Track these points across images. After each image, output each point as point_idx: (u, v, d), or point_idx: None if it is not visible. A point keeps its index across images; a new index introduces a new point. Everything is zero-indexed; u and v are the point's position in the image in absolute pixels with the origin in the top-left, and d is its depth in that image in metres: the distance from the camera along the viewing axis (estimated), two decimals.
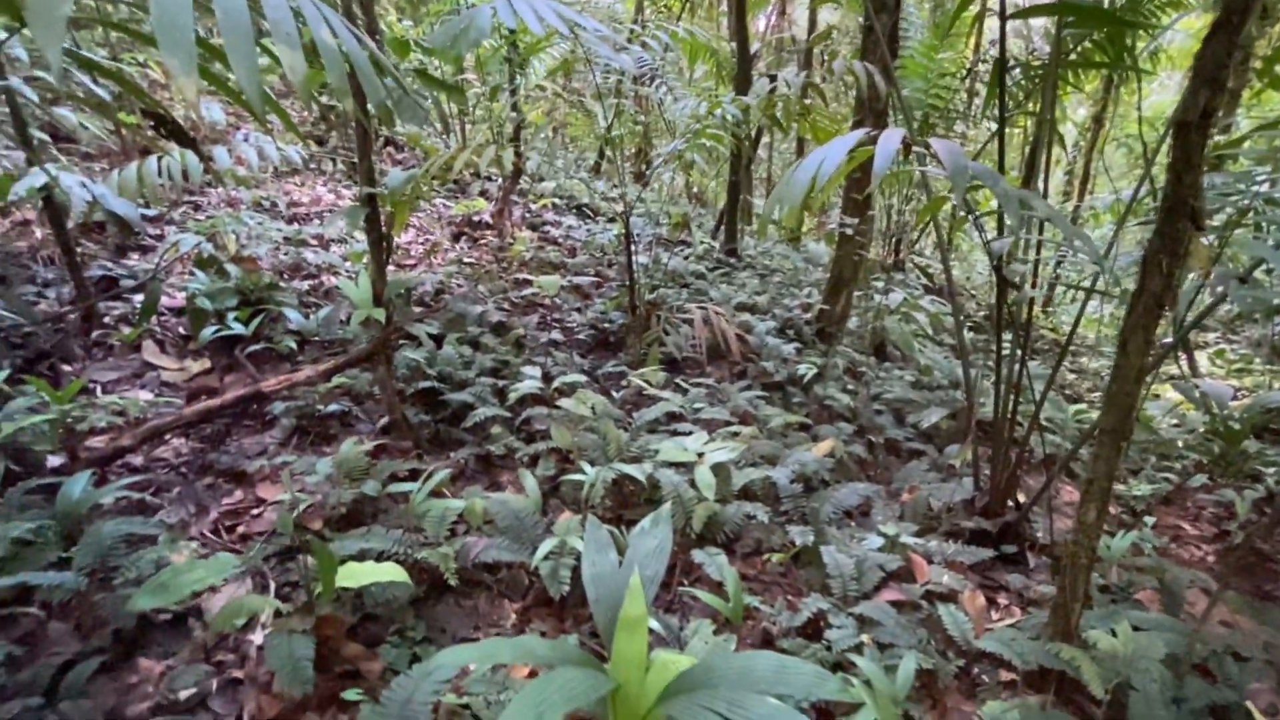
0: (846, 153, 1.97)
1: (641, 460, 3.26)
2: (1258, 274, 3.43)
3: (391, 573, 2.11)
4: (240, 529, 2.72)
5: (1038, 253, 3.45)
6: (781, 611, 2.75)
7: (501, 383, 3.86)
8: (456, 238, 6.47)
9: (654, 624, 2.46)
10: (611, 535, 2.30)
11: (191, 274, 4.00)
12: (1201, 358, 8.81)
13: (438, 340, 4.13)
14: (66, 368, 3.51)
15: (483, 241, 6.55)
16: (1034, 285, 3.43)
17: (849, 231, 5.28)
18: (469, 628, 2.47)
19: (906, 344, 6.27)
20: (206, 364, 3.84)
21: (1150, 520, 4.77)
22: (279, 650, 1.89)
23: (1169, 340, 7.95)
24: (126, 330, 3.84)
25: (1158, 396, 7.23)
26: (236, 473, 3.05)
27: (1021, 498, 4.10)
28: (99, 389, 3.48)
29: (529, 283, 5.66)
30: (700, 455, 3.20)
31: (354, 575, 2.06)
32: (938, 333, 8.11)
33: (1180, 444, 6.14)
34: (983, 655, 2.57)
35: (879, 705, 2.01)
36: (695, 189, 12.12)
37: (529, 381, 3.57)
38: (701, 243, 8.12)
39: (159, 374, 3.71)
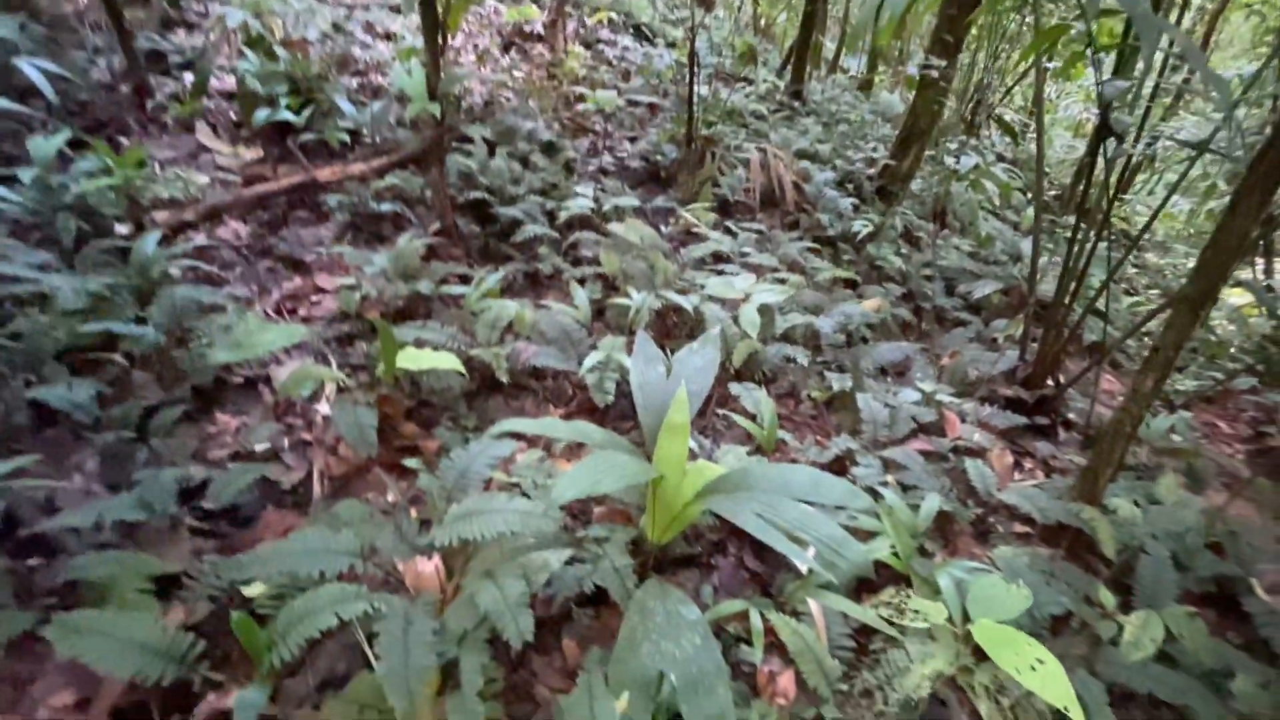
0: None
1: (688, 293, 3.24)
2: None
3: (449, 361, 2.19)
4: (301, 311, 2.82)
5: (1146, 111, 3.10)
6: (810, 447, 2.86)
7: (550, 203, 3.77)
8: (507, 47, 6.05)
9: (690, 442, 2.57)
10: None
11: (242, 54, 3.82)
12: None
13: (490, 147, 3.99)
14: (124, 140, 3.49)
15: (534, 54, 6.12)
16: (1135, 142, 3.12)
17: (933, 74, 4.79)
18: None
19: (971, 213, 5.95)
20: (259, 152, 3.79)
21: (1187, 415, 4.74)
22: (346, 416, 2.02)
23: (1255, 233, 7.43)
24: (179, 107, 3.76)
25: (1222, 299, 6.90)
26: (295, 260, 3.10)
27: (1062, 379, 4.07)
28: (156, 165, 3.48)
29: (581, 101, 5.35)
30: (747, 295, 3.16)
31: (414, 359, 2.15)
32: (1004, 206, 7.66)
33: (1234, 346, 5.95)
34: (1001, 508, 2.67)
35: (898, 533, 2.12)
36: (763, 21, 11.02)
37: (580, 200, 3.47)
38: (765, 81, 7.51)
39: (213, 157, 3.67)
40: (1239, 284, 7.17)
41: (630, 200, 3.74)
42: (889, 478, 2.62)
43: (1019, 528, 2.65)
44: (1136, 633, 1.77)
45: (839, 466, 2.78)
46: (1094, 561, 2.55)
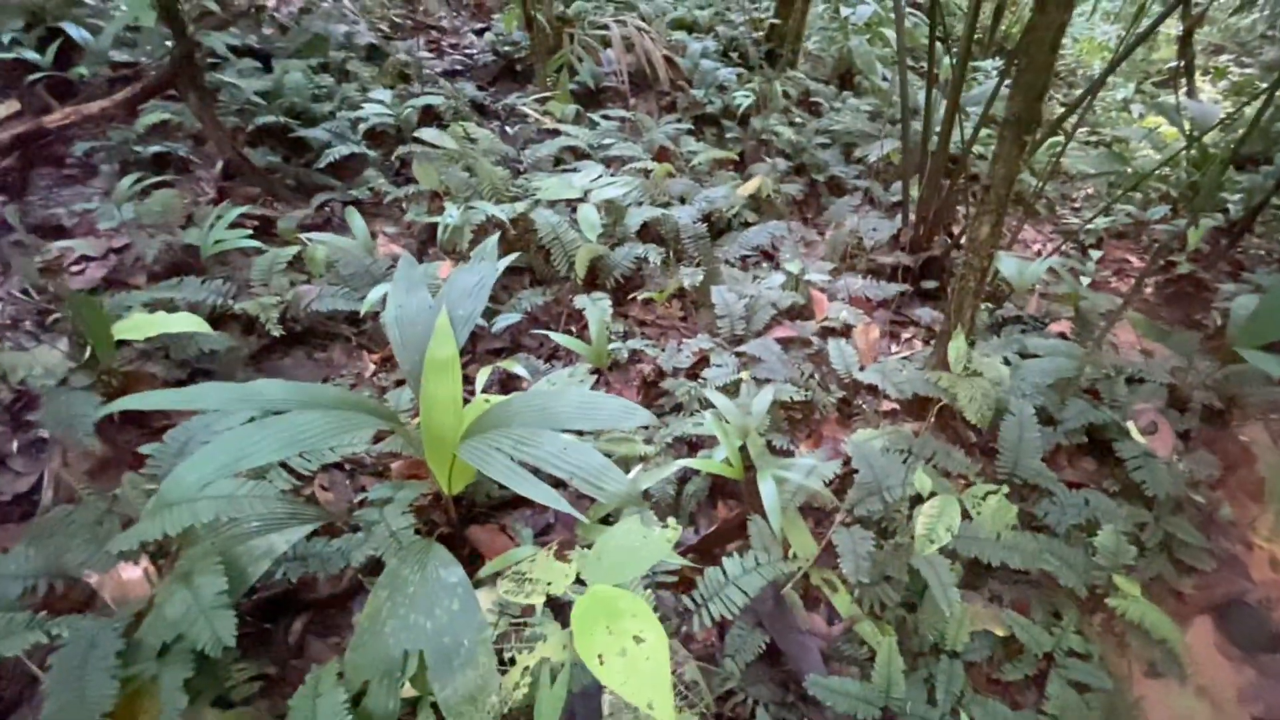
0: None
1: (519, 199, 2.89)
2: None
3: (186, 322, 1.87)
4: (52, 288, 2.43)
5: None
6: (665, 353, 2.63)
7: (377, 111, 3.31)
8: None
9: (519, 369, 2.32)
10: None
11: None
12: (1204, 83, 8.01)
13: (264, 61, 3.44)
14: None
15: None
16: None
17: None
18: (316, 380, 2.32)
19: (869, 67, 5.53)
20: (16, 105, 3.24)
21: (1097, 255, 4.61)
22: (56, 409, 1.71)
23: (1174, 63, 7.10)
24: None
25: (1149, 125, 6.67)
26: (53, 226, 2.68)
27: (956, 232, 3.86)
28: None
29: None
30: (586, 192, 2.82)
31: (138, 327, 1.82)
32: (917, 59, 7.21)
33: (1139, 172, 5.78)
34: (868, 387, 2.50)
35: (726, 438, 1.93)
36: None
37: (373, 108, 3.04)
38: None
39: None
40: (1155, 107, 6.94)
41: (464, 108, 3.28)
42: (743, 374, 2.41)
43: (887, 405, 2.49)
44: (932, 522, 1.62)
45: (700, 369, 2.56)
46: (962, 429, 2.41)
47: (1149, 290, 4.33)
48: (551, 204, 2.81)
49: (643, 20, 5.15)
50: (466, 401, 1.97)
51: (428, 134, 2.94)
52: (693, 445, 2.25)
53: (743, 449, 2.01)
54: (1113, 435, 2.34)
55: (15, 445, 1.89)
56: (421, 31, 4.42)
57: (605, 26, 4.63)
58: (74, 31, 2.93)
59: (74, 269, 2.54)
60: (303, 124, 3.20)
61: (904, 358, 2.66)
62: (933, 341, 2.91)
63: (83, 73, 3.01)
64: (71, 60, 3.18)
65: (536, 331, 2.52)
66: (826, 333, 2.68)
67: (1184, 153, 5.62)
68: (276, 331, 2.11)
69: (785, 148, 4.53)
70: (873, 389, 2.41)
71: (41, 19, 3.24)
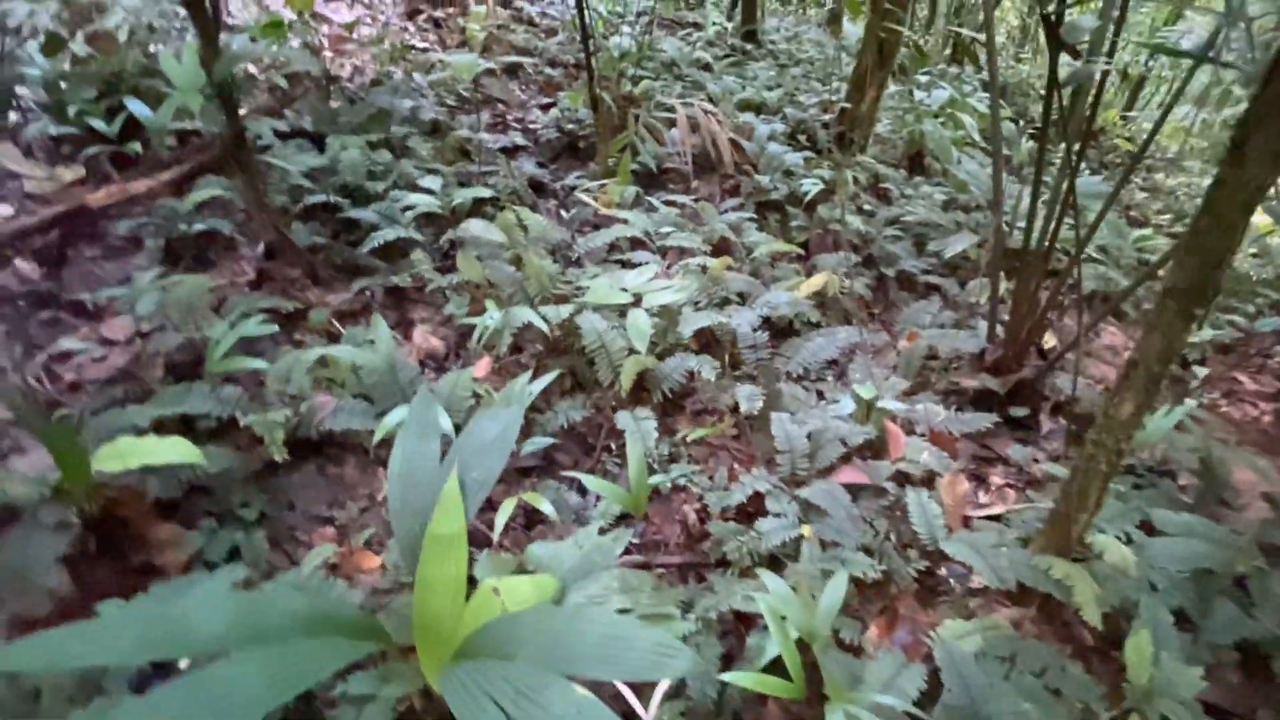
0: None
1: (566, 300, 2.60)
2: None
3: (173, 451, 1.60)
4: (70, 376, 2.24)
5: (1119, 24, 2.31)
6: (719, 487, 2.25)
7: (420, 198, 3.11)
8: (411, 15, 5.29)
9: (547, 505, 1.98)
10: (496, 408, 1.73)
11: (46, 57, 3.17)
12: None
13: (319, 141, 3.28)
14: None
15: (446, 22, 5.36)
16: (1109, 57, 2.37)
17: None
18: (323, 502, 2.03)
19: (944, 152, 5.15)
20: (81, 171, 3.17)
21: (1202, 372, 4.02)
22: (9, 555, 1.45)
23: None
24: None
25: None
26: (83, 306, 2.52)
27: (1054, 343, 3.38)
28: None
29: (492, 73, 4.62)
30: (638, 296, 2.51)
31: (119, 456, 1.56)
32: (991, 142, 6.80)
33: (1254, 278, 5.16)
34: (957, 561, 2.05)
35: (785, 640, 1.52)
36: None
37: (421, 197, 2.82)
38: (714, 24, 6.65)
39: (21, 184, 3.07)
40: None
41: (480, 190, 3.05)
42: (804, 530, 2.00)
43: (977, 581, 2.03)
44: None
45: (755, 508, 2.17)
46: (1075, 625, 1.93)
47: (1267, 419, 3.72)
48: (599, 308, 2.51)
49: (710, 101, 4.94)
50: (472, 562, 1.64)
51: (475, 226, 2.71)
52: (742, 619, 1.85)
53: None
54: (1271, 652, 1.83)
55: None
56: (487, 106, 4.29)
57: (671, 107, 4.42)
58: (134, 107, 2.84)
59: (96, 354, 2.35)
60: (354, 203, 3.02)
61: (999, 517, 2.20)
62: (1029, 492, 2.45)
63: (138, 149, 2.91)
64: (138, 132, 3.10)
65: (566, 474, 2.17)
66: (903, 479, 2.25)
67: None
68: (279, 455, 1.83)
69: (853, 238, 4.16)
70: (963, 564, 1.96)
71: (115, 89, 3.19)
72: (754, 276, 3.53)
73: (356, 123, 3.45)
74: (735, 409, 2.55)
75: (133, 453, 1.57)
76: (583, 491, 2.17)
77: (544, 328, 2.34)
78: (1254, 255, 5.52)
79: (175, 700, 0.86)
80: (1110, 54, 2.42)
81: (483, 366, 2.53)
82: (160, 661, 1.52)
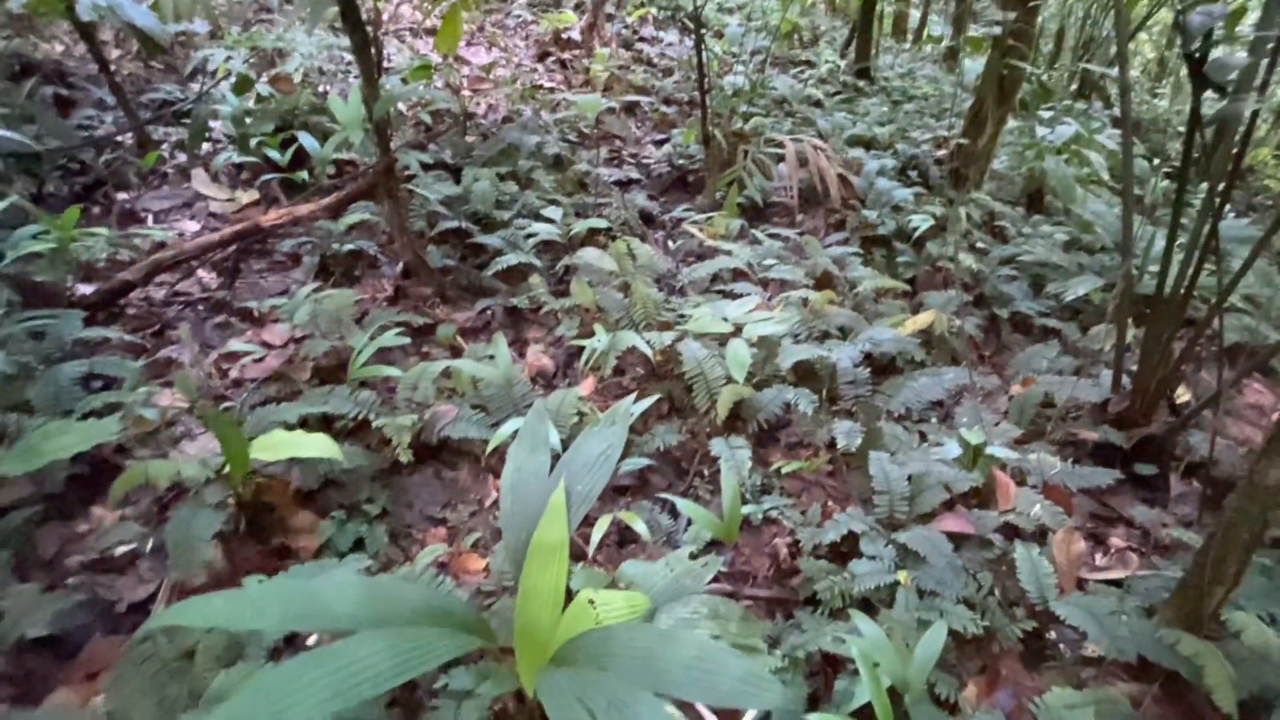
0: None
1: (669, 327, 2.63)
2: None
3: (318, 446, 1.76)
4: (234, 373, 2.52)
5: (1273, 61, 2.05)
6: (812, 523, 2.19)
7: (542, 226, 3.27)
8: (542, 58, 5.62)
9: (640, 525, 2.00)
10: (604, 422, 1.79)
11: (237, 95, 3.64)
12: None
13: (455, 173, 3.52)
14: (121, 195, 3.40)
15: (572, 63, 5.65)
16: (1261, 95, 2.12)
17: (1001, 31, 3.81)
18: (438, 504, 2.16)
19: (1067, 191, 4.79)
20: (256, 195, 3.60)
21: None
22: (177, 527, 1.64)
23: None
24: (183, 158, 3.64)
25: None
26: (250, 312, 2.83)
27: (1187, 397, 3.05)
28: (150, 218, 3.36)
29: (613, 111, 4.81)
30: (738, 326, 2.51)
31: (274, 446, 1.74)
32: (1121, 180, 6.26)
33: None
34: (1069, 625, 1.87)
35: (876, 687, 1.45)
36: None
37: (542, 226, 2.95)
38: (827, 62, 6.58)
39: (208, 204, 3.52)
40: None
41: (596, 220, 3.15)
42: (900, 576, 1.90)
43: (1093, 648, 1.84)
44: None
45: (848, 549, 2.09)
46: (1205, 710, 1.70)
47: None
48: (699, 336, 2.52)
49: (819, 136, 4.89)
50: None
51: (589, 254, 2.81)
52: (831, 661, 1.78)
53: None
54: None
55: (150, 545, 1.86)
56: (606, 141, 4.46)
57: (780, 143, 4.41)
58: (304, 140, 3.19)
59: (257, 358, 2.63)
60: (482, 230, 3.22)
61: (1116, 582, 1.99)
62: (1153, 559, 2.20)
63: (305, 176, 3.26)
64: (305, 161, 3.48)
65: (660, 495, 2.18)
66: (1012, 532, 2.09)
67: None
68: (405, 457, 1.97)
69: (964, 276, 3.95)
70: (1075, 629, 1.79)
71: (290, 124, 3.60)
72: (857, 311, 3.43)
73: (488, 156, 3.70)
74: (832, 445, 2.47)
75: (284, 445, 1.74)
76: (674, 514, 2.17)
77: (647, 352, 2.38)
78: None
79: (310, 669, 0.94)
80: (1262, 90, 2.18)
81: (587, 386, 2.61)
82: (292, 635, 1.66)
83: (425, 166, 3.48)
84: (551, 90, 4.89)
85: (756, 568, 2.09)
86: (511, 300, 2.98)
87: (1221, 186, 2.41)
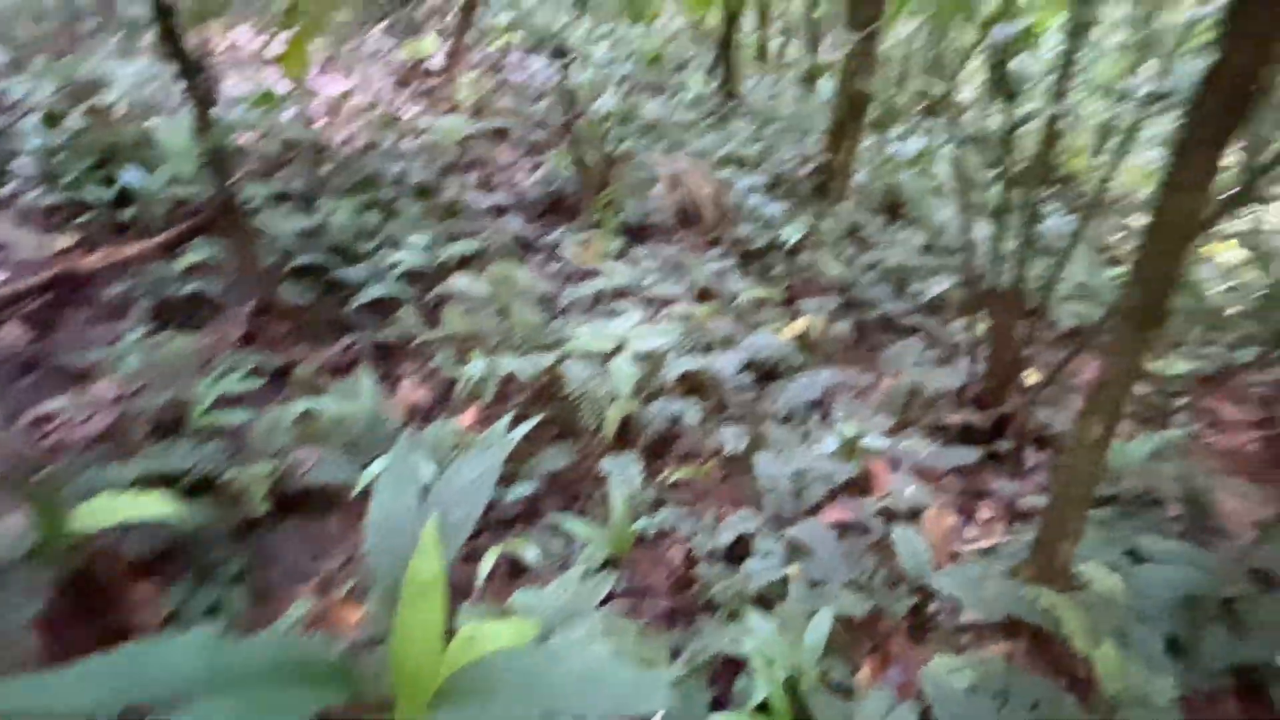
0: None
1: (554, 349, 2.65)
2: None
3: (150, 507, 1.60)
4: (54, 438, 2.25)
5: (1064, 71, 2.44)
6: (706, 530, 2.25)
7: (404, 255, 3.20)
8: (403, 85, 5.54)
9: (531, 553, 1.97)
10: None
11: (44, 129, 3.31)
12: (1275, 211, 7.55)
13: (309, 203, 3.39)
14: None
15: (435, 91, 5.61)
16: (1059, 99, 2.50)
17: (846, 53, 4.22)
18: (308, 556, 2.02)
19: (920, 200, 5.34)
20: (74, 238, 3.26)
21: (1183, 400, 4.07)
22: None
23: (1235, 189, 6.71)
24: None
25: (1210, 259, 6.22)
26: (69, 370, 2.55)
27: (1036, 378, 3.44)
28: None
29: (480, 136, 4.82)
30: (621, 343, 2.57)
31: (97, 514, 1.57)
32: (971, 189, 7.01)
33: (1228, 312, 5.25)
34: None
35: (773, 679, 1.50)
36: (700, 24, 10.50)
37: (407, 254, 2.90)
38: (695, 87, 6.96)
39: (12, 251, 3.15)
40: (1230, 238, 6.49)
41: (467, 246, 3.14)
42: (792, 569, 2.00)
43: (969, 615, 2.01)
44: None
45: (743, 550, 2.16)
46: (1066, 656, 1.90)
47: (1252, 446, 3.76)
48: (583, 355, 2.56)
49: (691, 158, 5.14)
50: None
51: (461, 281, 2.79)
52: (730, 663, 1.82)
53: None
54: (1264, 679, 1.81)
55: None
56: (476, 167, 4.45)
57: (651, 166, 4.60)
58: (128, 175, 2.95)
59: (80, 418, 2.37)
60: (344, 262, 3.10)
61: (986, 551, 2.20)
62: (1016, 525, 2.45)
63: (131, 215, 3.01)
64: (133, 200, 3.21)
65: (551, 514, 2.17)
66: (889, 515, 2.26)
67: (1269, 289, 5.12)
68: (263, 509, 1.84)
69: (835, 283, 4.27)
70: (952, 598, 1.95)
71: (112, 160, 3.31)
72: (738, 322, 3.61)
73: (348, 186, 3.58)
74: (720, 452, 2.57)
75: (108, 510, 1.58)
76: (569, 539, 2.16)
77: (528, 374, 2.38)
78: (1231, 289, 5.64)
79: None
80: (1060, 98, 2.56)
81: (469, 416, 2.56)
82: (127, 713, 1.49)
83: (275, 199, 3.31)
84: (416, 117, 4.83)
85: (655, 580, 2.12)
86: (379, 334, 2.88)
87: (1044, 190, 2.79)
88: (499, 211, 4.09)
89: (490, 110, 5.14)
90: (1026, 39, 2.75)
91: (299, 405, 2.16)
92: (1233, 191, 2.83)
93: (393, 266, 3.02)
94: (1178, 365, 4.38)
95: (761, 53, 10.63)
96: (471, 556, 2.07)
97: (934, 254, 4.96)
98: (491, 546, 2.01)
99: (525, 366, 2.38)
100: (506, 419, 1.71)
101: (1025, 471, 2.84)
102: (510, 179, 4.54)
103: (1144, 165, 9.08)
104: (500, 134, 5.20)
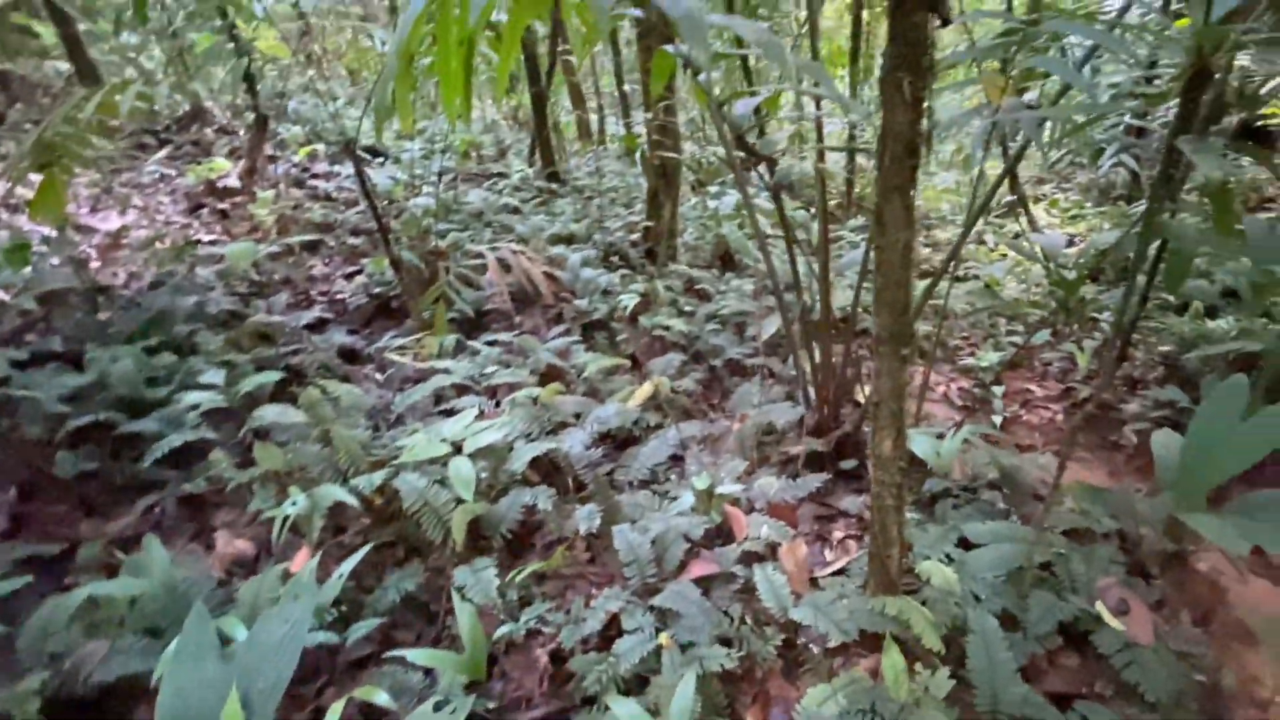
0: None
1: (383, 466, 2.56)
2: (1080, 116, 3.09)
3: None
4: None
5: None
6: (575, 620, 2.22)
7: (217, 394, 2.99)
8: (194, 210, 5.29)
9: (382, 697, 1.84)
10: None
11: None
12: (1039, 211, 9.00)
13: (75, 356, 3.08)
14: None
15: (232, 213, 5.40)
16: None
17: (646, 129, 4.62)
18: None
19: (744, 248, 5.82)
20: None
21: (999, 390, 4.64)
22: None
23: (1010, 198, 7.91)
24: None
25: (1004, 256, 7.27)
26: None
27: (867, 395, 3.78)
28: None
29: (289, 252, 4.68)
30: (458, 443, 2.54)
31: None
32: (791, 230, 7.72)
33: (1018, 301, 6.12)
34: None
35: None
36: (518, 111, 11.03)
37: (205, 394, 2.74)
38: (518, 171, 7.25)
39: None
40: (1009, 242, 7.60)
41: (276, 373, 3.02)
42: (662, 639, 2.02)
43: (836, 640, 2.12)
44: None
45: (615, 631, 2.15)
46: (925, 656, 2.06)
47: (1059, 418, 4.34)
48: (419, 465, 2.50)
49: (520, 241, 5.30)
50: None
51: (271, 411, 2.65)
52: None
53: None
54: (1087, 627, 2.05)
55: None
56: (286, 286, 4.30)
57: (480, 254, 4.69)
58: None
59: None
60: (132, 416, 2.84)
61: (840, 571, 2.35)
62: (867, 538, 2.64)
63: None
64: None
65: (394, 653, 2.04)
66: (750, 558, 2.36)
67: (1047, 280, 6.03)
68: None
69: (678, 339, 4.50)
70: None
71: None
72: (590, 395, 3.69)
73: (131, 330, 3.32)
74: (580, 533, 2.58)
75: None
76: (428, 668, 2.05)
77: (352, 501, 2.28)
78: (1021, 283, 6.57)
79: None
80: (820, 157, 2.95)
81: (301, 558, 2.39)
82: None
83: (35, 360, 2.99)
84: (212, 243, 4.61)
85: (527, 686, 2.05)
86: (185, 487, 2.65)
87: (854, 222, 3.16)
88: (317, 327, 3.95)
89: (298, 224, 5.03)
90: (773, 104, 3.16)
91: (80, 594, 1.91)
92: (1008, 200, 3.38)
93: (193, 408, 2.81)
94: (989, 356, 5.02)
95: (584, 130, 11.28)
96: (318, 713, 1.91)
97: (767, 295, 5.40)
98: (337, 699, 1.86)
99: (347, 496, 2.28)
100: (312, 563, 1.63)
101: (869, 485, 3.09)
102: (328, 291, 4.43)
103: (937, 185, 10.49)
104: (313, 246, 5.09)
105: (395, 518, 2.54)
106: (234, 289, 4.04)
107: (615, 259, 5.47)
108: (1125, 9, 2.09)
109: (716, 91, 3.05)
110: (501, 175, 7.63)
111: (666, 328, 4.50)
